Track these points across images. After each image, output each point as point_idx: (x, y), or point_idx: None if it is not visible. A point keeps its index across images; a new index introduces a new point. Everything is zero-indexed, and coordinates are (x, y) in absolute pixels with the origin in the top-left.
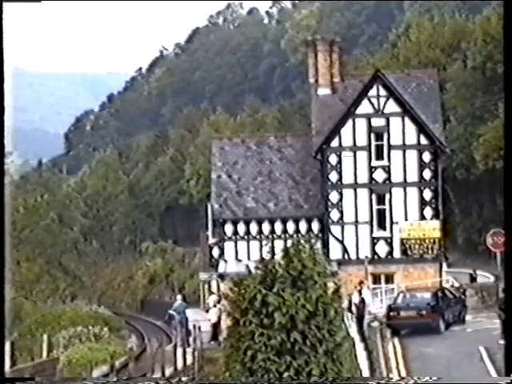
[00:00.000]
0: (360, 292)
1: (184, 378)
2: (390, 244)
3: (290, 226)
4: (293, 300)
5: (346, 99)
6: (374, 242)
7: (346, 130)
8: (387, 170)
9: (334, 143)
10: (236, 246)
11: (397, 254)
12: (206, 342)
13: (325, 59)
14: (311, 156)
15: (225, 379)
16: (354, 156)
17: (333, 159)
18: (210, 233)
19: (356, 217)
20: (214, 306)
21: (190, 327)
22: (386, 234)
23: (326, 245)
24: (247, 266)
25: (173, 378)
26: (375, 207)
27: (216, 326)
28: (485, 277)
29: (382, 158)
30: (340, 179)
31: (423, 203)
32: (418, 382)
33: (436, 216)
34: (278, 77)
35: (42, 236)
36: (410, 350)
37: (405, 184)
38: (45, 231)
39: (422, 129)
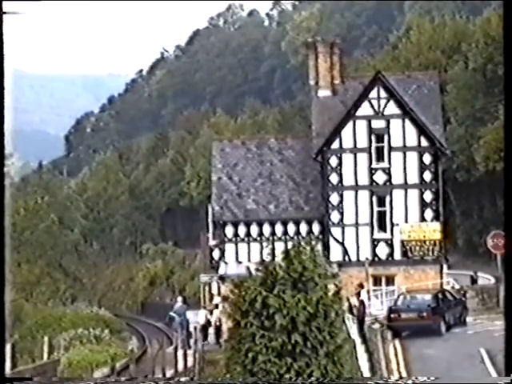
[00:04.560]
0: (359, 294)
1: (184, 379)
2: (391, 246)
3: (291, 228)
4: (293, 302)
5: (346, 101)
6: (374, 243)
7: (346, 132)
8: (387, 171)
9: (335, 145)
10: (236, 247)
11: (397, 255)
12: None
13: (325, 61)
14: (311, 158)
15: (225, 381)
16: (355, 158)
17: (333, 161)
18: (210, 235)
19: (356, 219)
20: (204, 308)
21: (191, 329)
22: (387, 235)
23: (326, 247)
24: (248, 268)
25: (173, 380)
26: (376, 209)
27: (205, 328)
28: (485, 278)
29: (383, 160)
30: (340, 181)
31: (424, 205)
32: (416, 383)
33: (436, 218)
34: (279, 78)
35: (43, 238)
36: (411, 352)
37: (405, 186)
38: (45, 233)
39: (422, 131)
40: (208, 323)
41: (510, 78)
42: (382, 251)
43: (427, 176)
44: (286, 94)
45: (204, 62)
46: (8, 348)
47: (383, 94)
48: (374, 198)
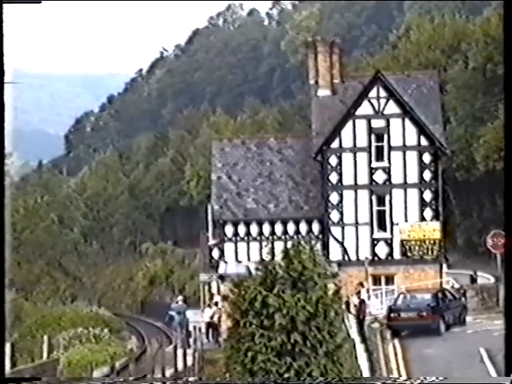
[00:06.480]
0: (359, 293)
1: (185, 379)
2: (390, 245)
3: (291, 228)
4: (293, 301)
5: (346, 100)
6: (374, 243)
7: (346, 131)
8: (387, 171)
9: (334, 144)
10: (236, 247)
11: (397, 255)
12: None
13: (325, 60)
14: (311, 157)
15: (225, 380)
16: (354, 157)
17: (333, 160)
18: (210, 234)
19: (356, 218)
20: (209, 306)
21: (191, 328)
22: (386, 235)
23: (326, 246)
24: (247, 268)
25: (173, 379)
26: (375, 208)
27: (209, 326)
28: (485, 278)
29: (382, 160)
30: (340, 180)
31: (423, 204)
32: (425, 382)
33: (436, 217)
34: (278, 78)
35: (42, 237)
36: (411, 351)
37: (405, 185)
38: (45, 232)
39: (422, 130)
40: (212, 321)
41: (510, 78)
42: (382, 250)
43: (427, 175)
44: (286, 94)
45: (204, 62)
46: (8, 347)
47: (383, 93)
48: (374, 198)
